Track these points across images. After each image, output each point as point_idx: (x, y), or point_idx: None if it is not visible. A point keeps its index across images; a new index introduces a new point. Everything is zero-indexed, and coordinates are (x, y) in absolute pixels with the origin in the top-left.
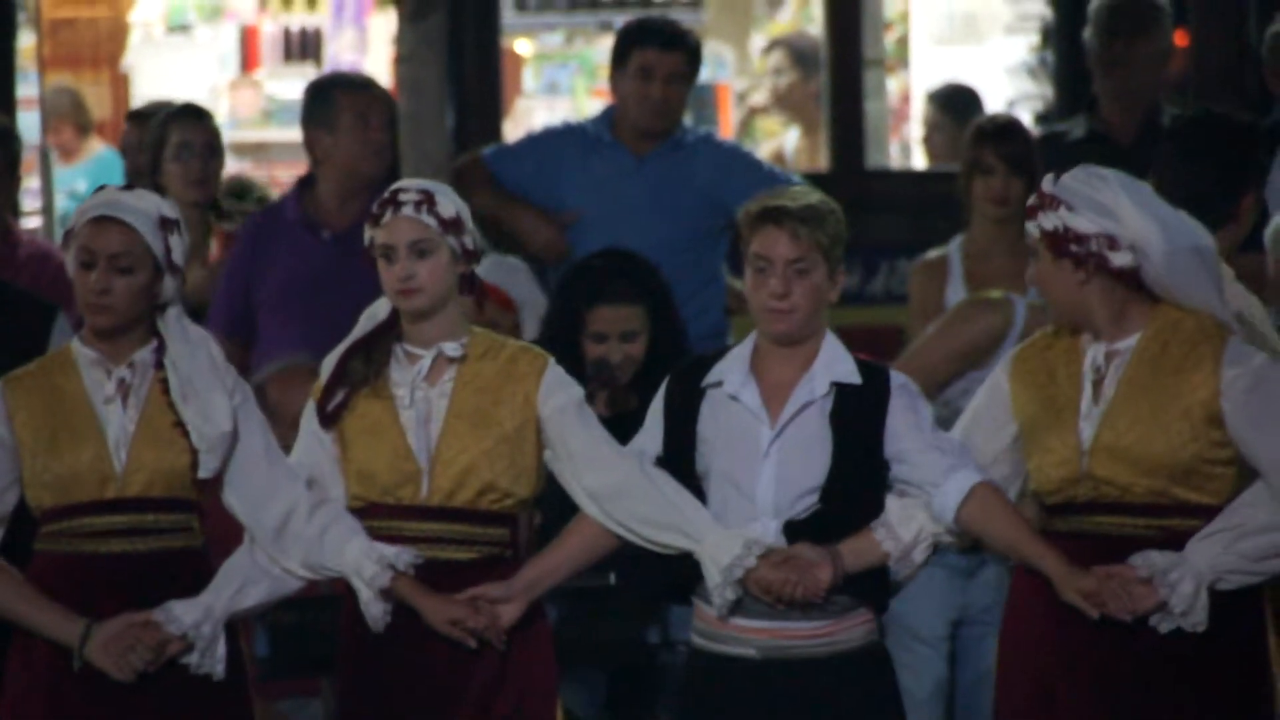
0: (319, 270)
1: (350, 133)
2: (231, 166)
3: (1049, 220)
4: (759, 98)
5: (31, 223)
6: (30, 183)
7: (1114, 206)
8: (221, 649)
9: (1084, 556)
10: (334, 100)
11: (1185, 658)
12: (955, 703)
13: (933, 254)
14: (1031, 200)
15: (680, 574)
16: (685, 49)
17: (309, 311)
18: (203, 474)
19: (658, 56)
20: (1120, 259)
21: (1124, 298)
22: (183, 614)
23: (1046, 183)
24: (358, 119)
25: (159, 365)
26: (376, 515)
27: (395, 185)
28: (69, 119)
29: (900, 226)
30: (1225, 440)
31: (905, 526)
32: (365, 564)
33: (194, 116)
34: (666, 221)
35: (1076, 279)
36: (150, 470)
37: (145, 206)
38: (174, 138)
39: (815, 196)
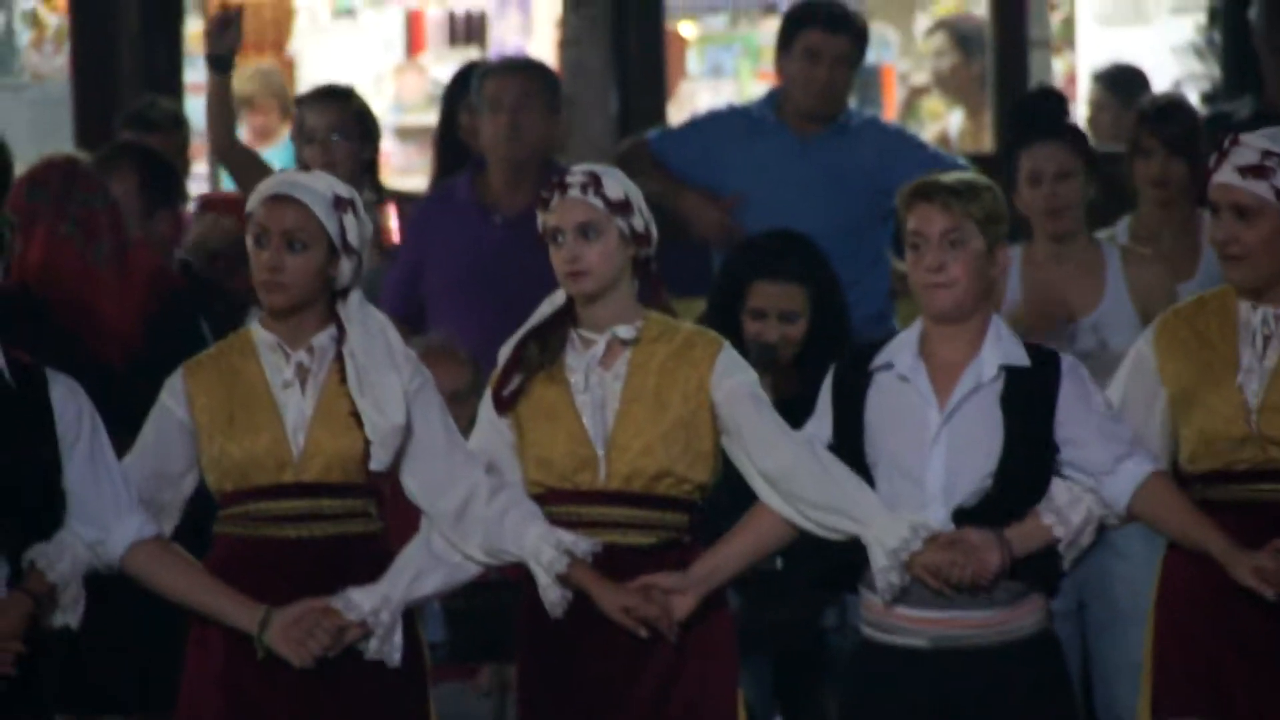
0: (491, 254)
1: (487, 116)
2: (397, 150)
3: None
4: (922, 79)
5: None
6: (199, 168)
7: None
8: (399, 636)
9: (1247, 528)
10: (475, 84)
11: None
12: (1094, 691)
13: (1100, 235)
14: (1251, 160)
15: (847, 561)
16: (851, 31)
17: (482, 295)
18: (374, 466)
19: (824, 39)
20: None
21: None
22: (361, 601)
23: (1264, 140)
24: (492, 102)
25: (338, 352)
26: (555, 500)
27: (568, 169)
28: (278, 99)
29: None
30: None
31: (1074, 510)
32: (544, 549)
33: (322, 99)
34: (830, 204)
35: None
36: (327, 455)
37: (320, 186)
38: (305, 121)
39: (970, 175)
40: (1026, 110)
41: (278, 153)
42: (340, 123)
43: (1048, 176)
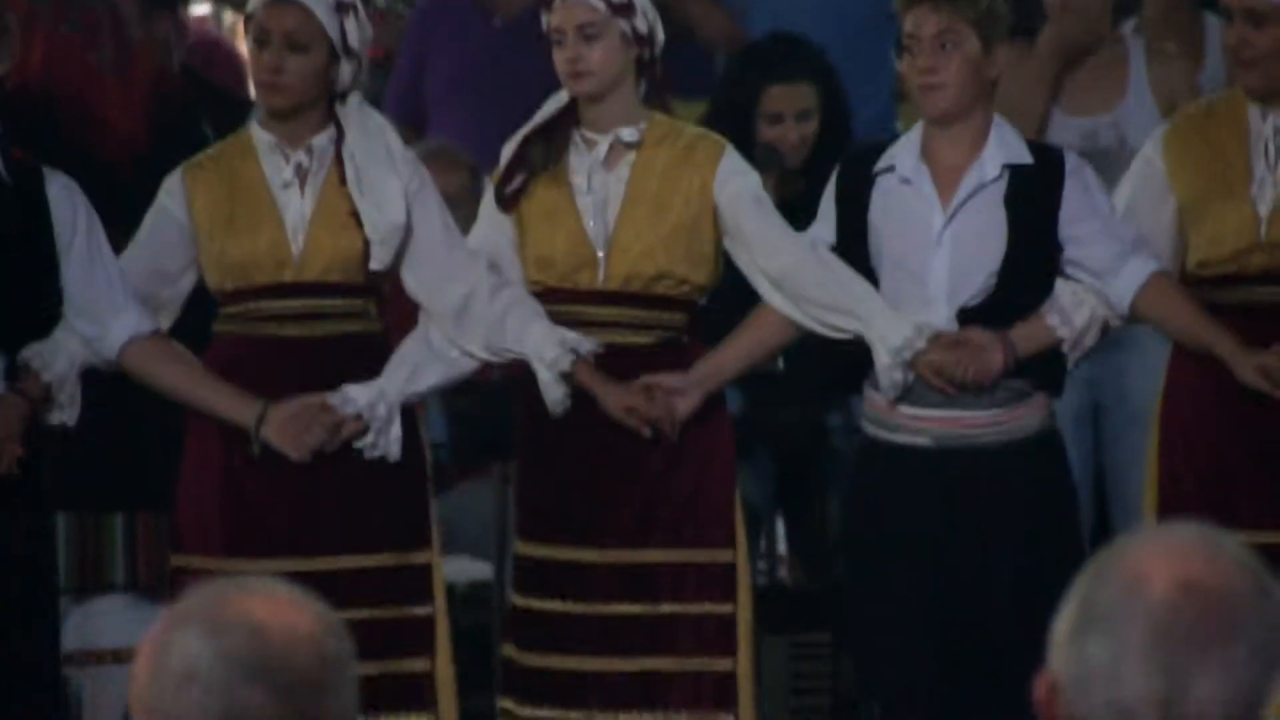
0: (491, 56)
1: None
2: None
3: None
4: None
5: (201, 9)
6: None
7: None
8: (396, 430)
9: (1256, 330)
10: None
11: None
12: (1107, 491)
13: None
14: None
15: (850, 360)
16: None
17: (481, 97)
18: (374, 265)
19: None
20: None
21: None
22: (358, 395)
23: None
24: None
25: (337, 153)
26: (554, 299)
27: None
28: None
29: None
30: None
31: (1078, 311)
32: (547, 347)
33: None
34: (832, 9)
35: None
36: (328, 255)
37: None
38: None
39: None
40: None
41: None
42: None
43: None
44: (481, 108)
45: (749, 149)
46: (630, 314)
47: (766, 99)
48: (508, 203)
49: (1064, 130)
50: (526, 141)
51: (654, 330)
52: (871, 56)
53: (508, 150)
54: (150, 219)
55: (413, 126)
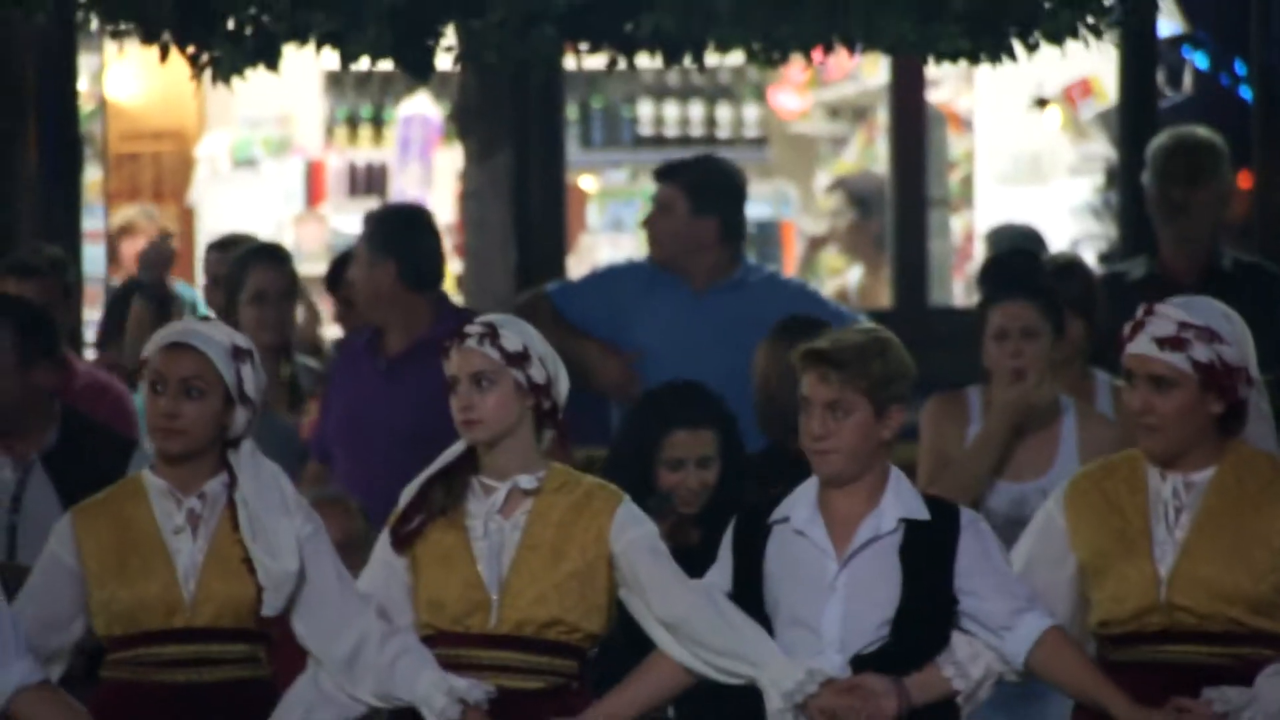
0: (371, 397)
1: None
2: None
3: (1203, 352)
4: (821, 233)
5: (93, 355)
6: (94, 314)
7: (1245, 342)
8: None
9: (1154, 687)
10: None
11: None
12: None
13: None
14: (1169, 331)
15: (741, 709)
16: (679, 180)
17: (360, 438)
18: (267, 612)
19: (658, 188)
20: (1245, 393)
21: (1215, 431)
22: None
23: (1179, 311)
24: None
25: (230, 499)
26: (445, 643)
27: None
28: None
29: (963, 364)
30: None
31: (974, 664)
32: (436, 696)
33: (272, 260)
34: (729, 358)
35: (1212, 412)
36: (219, 601)
37: (218, 335)
38: (251, 282)
39: (865, 336)
40: (997, 267)
41: None
42: (288, 284)
43: (1014, 334)
44: (358, 446)
45: (647, 494)
46: (521, 659)
47: (668, 445)
48: (403, 543)
49: (994, 494)
50: (428, 484)
51: (545, 675)
52: None
53: (408, 493)
54: (40, 566)
55: (326, 464)
